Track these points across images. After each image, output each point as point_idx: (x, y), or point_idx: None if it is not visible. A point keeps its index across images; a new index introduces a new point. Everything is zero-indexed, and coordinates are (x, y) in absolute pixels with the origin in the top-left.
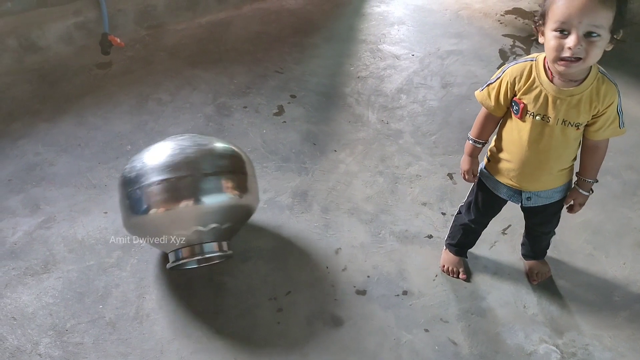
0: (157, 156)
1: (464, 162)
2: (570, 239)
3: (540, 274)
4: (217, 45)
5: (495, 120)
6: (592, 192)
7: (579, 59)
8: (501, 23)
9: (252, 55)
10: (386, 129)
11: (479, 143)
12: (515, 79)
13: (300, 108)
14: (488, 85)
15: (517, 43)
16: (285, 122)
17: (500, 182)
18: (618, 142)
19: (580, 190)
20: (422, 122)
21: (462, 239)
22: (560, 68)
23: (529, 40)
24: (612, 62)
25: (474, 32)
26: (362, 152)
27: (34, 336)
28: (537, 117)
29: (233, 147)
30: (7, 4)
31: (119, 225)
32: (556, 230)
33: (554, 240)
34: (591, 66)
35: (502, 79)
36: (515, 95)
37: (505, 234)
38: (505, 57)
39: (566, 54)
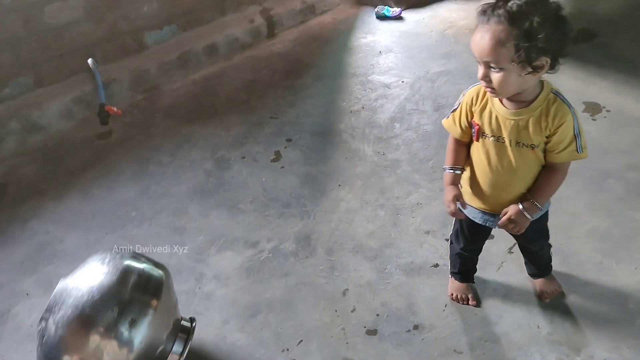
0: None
1: (447, 193)
2: (578, 249)
3: (550, 291)
4: (211, 99)
5: (466, 145)
6: (531, 218)
7: (493, 89)
8: None
9: (247, 104)
10: (383, 160)
11: (457, 169)
12: (472, 100)
13: (297, 151)
14: (453, 111)
15: None
16: (283, 167)
17: (474, 207)
18: (617, 141)
19: (521, 208)
20: (418, 148)
21: (462, 267)
22: (489, 95)
23: None
24: (605, 63)
25: (461, 50)
26: (361, 187)
27: None
28: (492, 139)
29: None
30: (5, 90)
31: None
32: (562, 241)
33: (561, 252)
34: (542, 87)
35: (462, 103)
36: (472, 117)
37: (512, 252)
38: None
39: (483, 83)
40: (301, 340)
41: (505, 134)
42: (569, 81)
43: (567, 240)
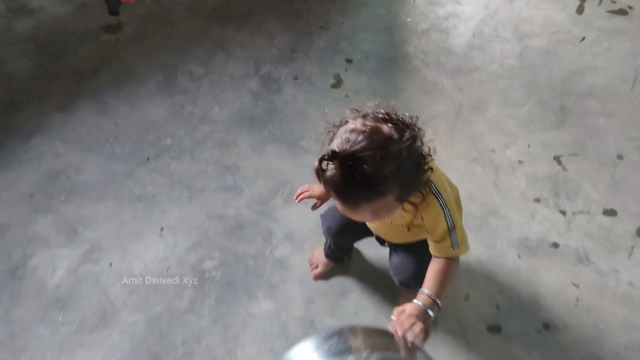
0: None
1: None
2: None
3: None
4: None
5: None
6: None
7: None
8: None
9: (288, 6)
10: (467, 98)
11: None
12: None
13: (361, 76)
14: None
15: None
16: (347, 96)
17: None
18: None
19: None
20: (505, 87)
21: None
22: None
23: None
24: None
25: None
26: (447, 132)
27: None
28: None
29: None
30: None
31: (180, 250)
32: None
33: None
34: None
35: None
36: None
37: None
38: None
39: None
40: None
41: None
42: None
43: None
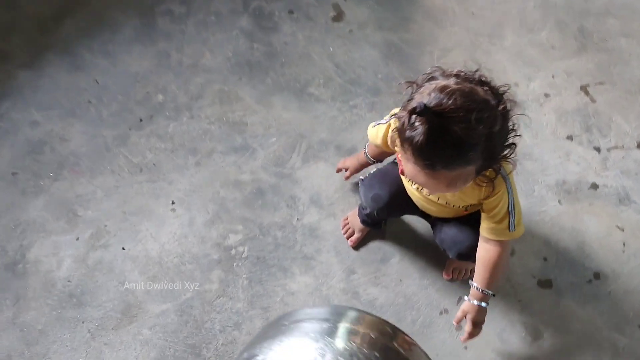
0: None
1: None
2: None
3: None
4: None
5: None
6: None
7: None
8: None
9: None
10: (481, 25)
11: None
12: None
13: (362, 7)
14: (378, 124)
15: None
16: (351, 31)
17: None
18: None
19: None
20: (520, 9)
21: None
22: None
23: None
24: None
25: None
26: (464, 64)
27: None
28: (415, 185)
29: None
30: None
31: (199, 226)
32: None
33: None
34: None
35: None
36: None
37: None
38: None
39: None
40: (460, 297)
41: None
42: None
43: None
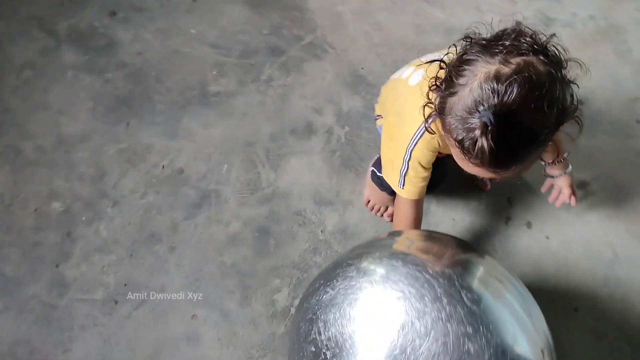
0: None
1: None
2: None
3: None
4: None
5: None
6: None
7: None
8: None
9: None
10: None
11: None
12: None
13: None
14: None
15: None
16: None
17: None
18: None
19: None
20: None
21: None
22: None
23: None
24: None
25: None
26: None
27: None
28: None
29: None
30: None
31: (235, 309)
32: None
33: None
34: None
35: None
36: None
37: None
38: None
39: None
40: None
41: None
42: None
43: None
